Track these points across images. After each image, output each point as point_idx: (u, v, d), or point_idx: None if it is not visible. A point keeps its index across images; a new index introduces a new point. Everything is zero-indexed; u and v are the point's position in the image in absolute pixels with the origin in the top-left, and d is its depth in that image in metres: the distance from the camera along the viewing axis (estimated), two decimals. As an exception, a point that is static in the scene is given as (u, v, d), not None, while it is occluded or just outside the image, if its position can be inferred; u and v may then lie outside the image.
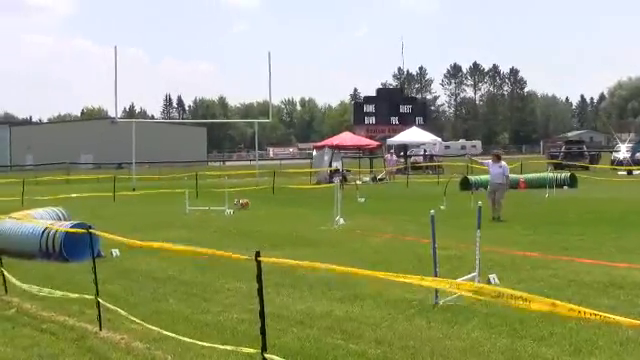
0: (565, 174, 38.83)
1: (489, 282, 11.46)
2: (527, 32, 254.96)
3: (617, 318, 4.38)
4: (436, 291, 10.13)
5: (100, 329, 9.34)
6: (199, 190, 36.13)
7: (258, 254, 6.61)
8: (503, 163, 22.67)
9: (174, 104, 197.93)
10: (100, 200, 33.55)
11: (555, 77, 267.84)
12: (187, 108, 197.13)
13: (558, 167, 49.98)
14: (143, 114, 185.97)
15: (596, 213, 23.23)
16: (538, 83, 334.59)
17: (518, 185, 36.68)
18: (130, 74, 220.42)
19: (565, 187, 35.93)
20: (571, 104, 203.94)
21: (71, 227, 14.27)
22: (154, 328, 8.63)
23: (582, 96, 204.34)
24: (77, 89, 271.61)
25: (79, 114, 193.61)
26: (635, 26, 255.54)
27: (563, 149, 64.13)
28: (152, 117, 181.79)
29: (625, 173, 49.11)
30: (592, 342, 8.18)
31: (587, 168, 52.93)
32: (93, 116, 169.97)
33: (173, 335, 8.24)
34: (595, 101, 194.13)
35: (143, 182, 47.35)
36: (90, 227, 10.14)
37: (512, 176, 38.58)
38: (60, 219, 17.86)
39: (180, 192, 30.48)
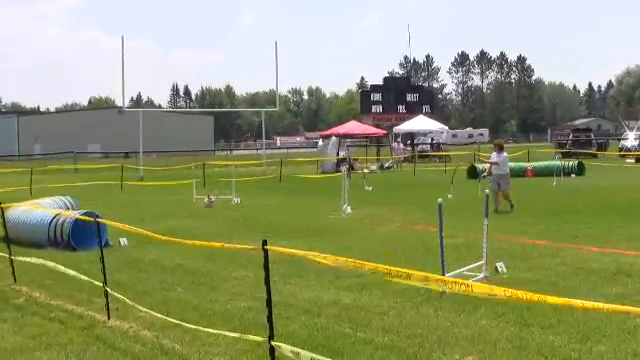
0: (573, 162, 38.72)
1: (496, 270, 11.46)
2: (535, 20, 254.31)
3: (625, 308, 4.36)
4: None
5: (108, 318, 9.37)
6: (206, 179, 36.15)
7: (265, 243, 6.61)
8: (504, 154, 22.28)
9: (181, 93, 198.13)
10: (108, 189, 33.63)
11: (563, 65, 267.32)
12: (194, 97, 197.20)
13: (566, 155, 49.84)
14: (150, 103, 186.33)
15: (604, 201, 23.17)
16: (546, 71, 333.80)
17: (525, 173, 36.63)
18: (138, 63, 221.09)
19: (573, 175, 35.84)
20: (579, 92, 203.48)
21: (80, 216, 14.29)
22: (162, 317, 8.65)
23: (590, 84, 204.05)
24: (85, 79, 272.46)
25: (86, 103, 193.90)
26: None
27: (571, 137, 63.98)
28: (159, 106, 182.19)
29: (633, 161, 48.97)
30: (600, 330, 8.17)
31: (595, 156, 52.81)
32: (101, 105, 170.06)
33: (181, 323, 8.25)
34: (603, 89, 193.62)
35: (150, 171, 47.42)
36: (98, 216, 10.16)
37: (520, 164, 38.75)
38: (68, 208, 17.89)
39: (187, 181, 30.52)
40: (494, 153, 22.21)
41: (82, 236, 15.11)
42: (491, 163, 22.13)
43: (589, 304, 4.39)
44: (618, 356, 7.31)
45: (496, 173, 21.78)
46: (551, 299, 4.70)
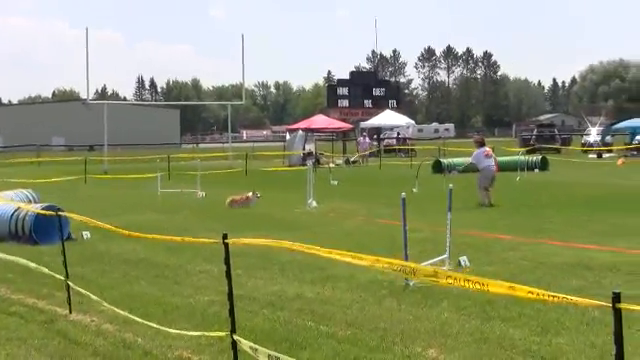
0: (537, 157, 39.05)
1: (459, 264, 11.53)
2: (501, 16, 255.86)
3: (574, 299, 4.41)
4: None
5: (70, 312, 9.31)
6: (171, 172, 35.98)
7: (225, 236, 6.60)
8: (480, 149, 22.32)
9: (147, 86, 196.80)
10: (71, 182, 33.33)
11: (528, 61, 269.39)
12: (160, 90, 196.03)
13: (530, 150, 50.27)
14: (116, 96, 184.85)
15: (566, 196, 23.41)
16: (511, 67, 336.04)
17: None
18: (103, 55, 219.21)
19: (536, 170, 36.16)
20: (543, 88, 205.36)
21: (41, 209, 14.16)
22: (124, 311, 8.61)
23: (554, 80, 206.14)
24: (49, 71, 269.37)
25: (50, 96, 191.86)
26: (608, 11, 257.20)
27: (535, 132, 64.52)
28: (124, 99, 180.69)
29: (595, 156, 49.53)
30: (559, 323, 8.26)
31: (558, 151, 53.32)
32: (65, 98, 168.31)
33: (143, 318, 8.22)
34: (567, 85, 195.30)
35: (115, 164, 47.08)
36: (59, 210, 10.07)
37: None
38: (30, 201, 17.73)
39: (152, 175, 30.35)
40: (478, 151, 22.30)
41: (44, 230, 14.97)
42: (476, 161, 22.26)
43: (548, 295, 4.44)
44: (576, 348, 7.40)
45: (493, 172, 21.77)
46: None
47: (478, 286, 4.75)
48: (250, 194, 22.88)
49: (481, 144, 22.63)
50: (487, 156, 22.30)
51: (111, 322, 8.82)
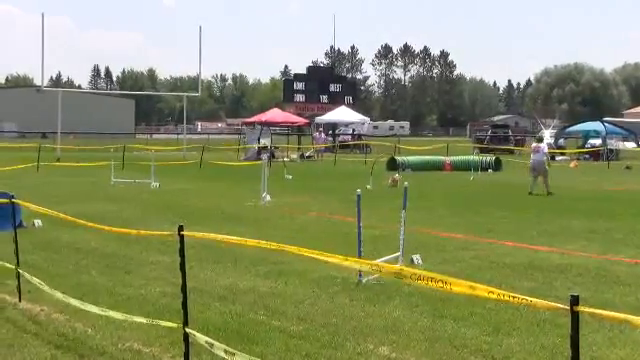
0: (490, 157, 39.39)
1: (412, 262, 11.58)
2: (459, 16, 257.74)
3: (533, 300, 4.46)
4: (360, 269, 10.18)
5: (19, 300, 9.18)
6: (125, 162, 35.63)
7: (181, 229, 6.55)
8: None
9: (102, 75, 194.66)
10: (23, 170, 32.81)
11: (484, 62, 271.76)
12: (115, 79, 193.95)
13: (484, 150, 50.71)
14: (70, 84, 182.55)
15: (519, 197, 23.64)
16: (467, 67, 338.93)
17: (444, 167, 37.16)
18: (58, 42, 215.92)
19: (490, 170, 36.47)
20: (498, 89, 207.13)
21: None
22: (75, 300, 8.49)
23: (509, 81, 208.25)
24: (1, 56, 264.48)
25: (3, 81, 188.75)
26: (563, 14, 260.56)
27: (489, 133, 65.07)
28: (79, 87, 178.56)
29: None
30: (510, 323, 8.35)
31: (512, 152, 53.84)
32: (18, 84, 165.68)
33: (94, 307, 8.12)
34: (522, 86, 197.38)
35: (68, 152, 46.50)
36: (13, 197, 9.90)
37: (438, 158, 39.37)
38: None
39: (106, 164, 30.03)
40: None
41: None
42: None
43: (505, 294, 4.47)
44: (527, 348, 7.48)
45: None
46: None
47: (441, 284, 4.77)
48: (396, 176, 27.35)
49: (537, 141, 26.76)
50: (535, 151, 25.42)
51: (61, 312, 8.71)
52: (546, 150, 25.96)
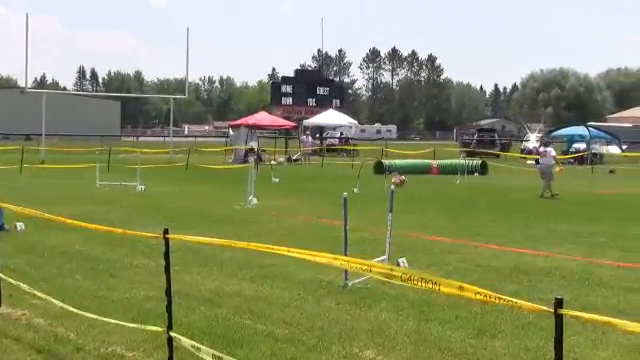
0: (476, 161, 39.49)
1: (398, 265, 11.56)
2: (446, 20, 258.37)
3: (519, 302, 4.46)
4: (345, 273, 10.18)
5: (0, 305, 9.09)
6: (111, 165, 35.51)
7: (166, 231, 6.51)
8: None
9: (88, 76, 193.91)
10: (5, 172, 32.66)
11: (471, 66, 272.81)
12: (101, 81, 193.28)
13: (470, 154, 50.82)
14: (55, 85, 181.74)
15: (506, 200, 23.73)
16: (455, 71, 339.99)
17: (430, 171, 37.21)
18: (43, 43, 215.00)
19: (476, 174, 36.56)
20: (485, 93, 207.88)
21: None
22: (58, 304, 8.43)
23: (496, 85, 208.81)
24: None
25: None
26: (549, 20, 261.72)
27: (475, 137, 65.21)
28: (64, 89, 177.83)
29: (534, 162, 50.22)
30: (495, 326, 8.35)
31: (498, 156, 54.00)
32: (2, 85, 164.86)
33: (77, 311, 8.06)
34: (508, 91, 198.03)
35: (53, 154, 46.27)
36: (-6, 199, 9.84)
37: (425, 162, 39.46)
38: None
39: (91, 166, 29.90)
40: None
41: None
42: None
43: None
44: (511, 351, 7.49)
45: None
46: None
47: (431, 285, 4.76)
48: (403, 177, 29.01)
49: (544, 145, 27.63)
50: (543, 155, 26.30)
51: (43, 316, 8.64)
52: (553, 154, 26.30)
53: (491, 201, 23.42)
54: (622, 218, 18.97)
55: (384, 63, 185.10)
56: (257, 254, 12.17)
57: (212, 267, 11.70)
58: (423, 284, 4.82)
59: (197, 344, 6.33)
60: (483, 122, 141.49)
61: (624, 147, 57.26)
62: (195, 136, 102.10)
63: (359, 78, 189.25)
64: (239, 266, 11.68)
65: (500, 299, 4.44)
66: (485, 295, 4.51)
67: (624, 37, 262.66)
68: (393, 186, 24.43)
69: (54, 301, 8.51)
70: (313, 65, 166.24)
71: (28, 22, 45.11)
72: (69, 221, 8.85)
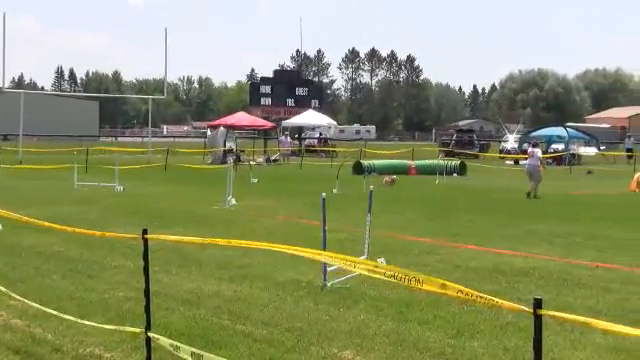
0: (455, 162, 39.60)
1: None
2: (425, 21, 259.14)
3: (500, 301, 4.48)
4: (324, 273, 10.18)
5: (-23, 306, 9.03)
6: (89, 166, 35.31)
7: (145, 232, 6.49)
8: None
9: (66, 77, 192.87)
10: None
11: (450, 67, 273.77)
12: (79, 81, 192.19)
13: (449, 155, 50.96)
14: (33, 86, 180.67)
15: (484, 201, 23.81)
16: (433, 72, 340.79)
17: (409, 171, 37.28)
18: (21, 43, 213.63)
19: (455, 174, 36.66)
20: (464, 94, 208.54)
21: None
22: (35, 305, 8.38)
23: (475, 86, 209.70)
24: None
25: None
26: (528, 21, 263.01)
27: (454, 137, 65.40)
28: (42, 89, 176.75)
29: (512, 162, 50.47)
30: (474, 326, 8.38)
31: (476, 157, 54.19)
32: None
33: (55, 312, 8.01)
34: (487, 92, 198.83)
35: (30, 155, 45.98)
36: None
37: (404, 162, 39.55)
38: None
39: (69, 167, 29.73)
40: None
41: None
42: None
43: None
44: (490, 351, 7.51)
45: None
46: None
47: (414, 282, 4.77)
48: (394, 176, 30.54)
49: (532, 145, 27.47)
50: (530, 155, 26.26)
51: (20, 317, 8.58)
52: (540, 155, 26.42)
53: (470, 202, 23.50)
54: (598, 218, 19.09)
55: (363, 64, 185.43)
56: (236, 255, 12.19)
57: (191, 267, 11.66)
58: (407, 281, 4.83)
59: (176, 342, 6.31)
60: (462, 123, 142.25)
61: (602, 148, 57.61)
62: (174, 136, 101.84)
63: (338, 78, 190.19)
64: (218, 266, 11.66)
65: (481, 298, 4.46)
66: (467, 294, 4.53)
67: (602, 38, 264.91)
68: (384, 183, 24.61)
69: (31, 302, 8.46)
70: (292, 65, 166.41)
71: (5, 22, 44.79)
72: (47, 224, 8.77)
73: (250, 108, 63.72)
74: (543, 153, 52.43)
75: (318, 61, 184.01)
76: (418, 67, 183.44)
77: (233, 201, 21.09)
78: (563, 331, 8.01)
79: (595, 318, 4.22)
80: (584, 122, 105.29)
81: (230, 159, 25.50)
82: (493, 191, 27.62)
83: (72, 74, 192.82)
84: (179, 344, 6.25)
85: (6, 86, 54.82)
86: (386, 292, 9.62)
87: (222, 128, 49.48)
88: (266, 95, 63.47)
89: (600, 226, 17.47)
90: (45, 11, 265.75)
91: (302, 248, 5.91)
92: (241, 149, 51.85)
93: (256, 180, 30.35)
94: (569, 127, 58.82)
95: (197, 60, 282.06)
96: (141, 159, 44.12)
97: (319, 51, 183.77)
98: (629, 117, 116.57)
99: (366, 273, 5.18)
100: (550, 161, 50.27)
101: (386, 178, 29.24)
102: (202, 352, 6.00)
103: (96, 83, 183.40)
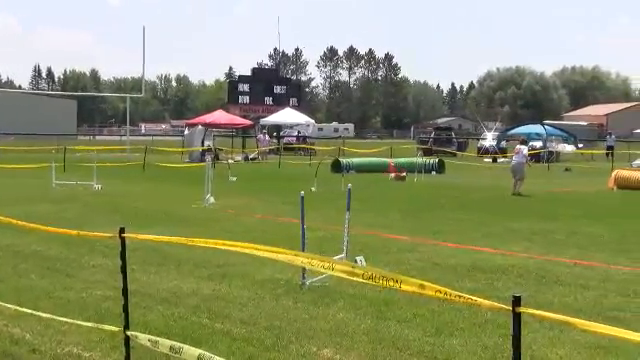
0: (434, 160, 39.69)
1: (356, 264, 11.57)
2: (403, 19, 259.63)
3: (479, 300, 4.49)
4: (303, 272, 10.17)
5: (-46, 306, 8.95)
6: (67, 164, 35.09)
7: (122, 230, 6.46)
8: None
9: (43, 75, 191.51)
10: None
11: (428, 65, 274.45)
12: (57, 80, 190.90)
13: (427, 153, 51.08)
14: (10, 84, 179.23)
15: (463, 199, 23.88)
16: (411, 70, 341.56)
17: (387, 169, 37.32)
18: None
19: (433, 172, 36.75)
20: (442, 91, 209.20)
21: None
22: (12, 305, 8.32)
23: (453, 84, 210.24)
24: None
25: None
26: (505, 18, 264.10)
27: (432, 135, 65.56)
28: (19, 87, 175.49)
29: (490, 160, 50.70)
30: (453, 324, 8.40)
31: (455, 154, 54.38)
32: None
33: (33, 312, 7.96)
34: (465, 90, 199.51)
35: (7, 154, 45.66)
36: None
37: (382, 160, 39.60)
38: None
39: (46, 166, 29.54)
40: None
41: None
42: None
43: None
44: (469, 349, 7.54)
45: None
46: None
47: (392, 283, 4.77)
48: (404, 174, 31.78)
49: (520, 142, 28.09)
50: (516, 153, 26.77)
51: (-2, 317, 8.53)
52: (526, 152, 26.66)
53: (449, 199, 23.56)
54: (577, 216, 19.21)
55: (341, 62, 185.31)
56: (215, 253, 12.14)
57: (169, 266, 11.63)
58: (385, 282, 4.83)
59: (154, 337, 6.29)
60: (440, 120, 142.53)
61: (580, 145, 57.97)
62: (152, 135, 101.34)
63: (316, 77, 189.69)
64: (196, 265, 11.62)
65: (460, 297, 4.47)
66: (445, 293, 4.54)
67: (579, 36, 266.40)
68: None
69: (8, 303, 8.40)
70: (270, 64, 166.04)
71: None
72: (21, 223, 8.70)
73: (228, 106, 63.66)
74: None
75: (296, 59, 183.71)
76: (396, 65, 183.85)
77: (212, 199, 21.03)
78: (542, 328, 8.05)
79: (573, 316, 4.25)
80: (562, 120, 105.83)
81: (208, 157, 25.40)
82: (472, 189, 27.72)
83: (50, 73, 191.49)
84: (157, 338, 6.24)
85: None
86: (365, 290, 9.63)
87: (200, 126, 49.35)
88: (244, 93, 63.47)
89: (580, 223, 17.59)
90: (23, 10, 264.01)
91: (280, 249, 5.89)
92: (219, 147, 51.72)
93: (234, 178, 30.30)
94: (547, 125, 59.13)
95: (175, 59, 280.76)
96: (119, 157, 43.93)
97: (297, 49, 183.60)
98: (607, 115, 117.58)
99: (344, 276, 5.16)
100: (529, 158, 50.57)
101: (393, 174, 29.37)
102: (182, 344, 5.99)
103: (74, 82, 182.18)
